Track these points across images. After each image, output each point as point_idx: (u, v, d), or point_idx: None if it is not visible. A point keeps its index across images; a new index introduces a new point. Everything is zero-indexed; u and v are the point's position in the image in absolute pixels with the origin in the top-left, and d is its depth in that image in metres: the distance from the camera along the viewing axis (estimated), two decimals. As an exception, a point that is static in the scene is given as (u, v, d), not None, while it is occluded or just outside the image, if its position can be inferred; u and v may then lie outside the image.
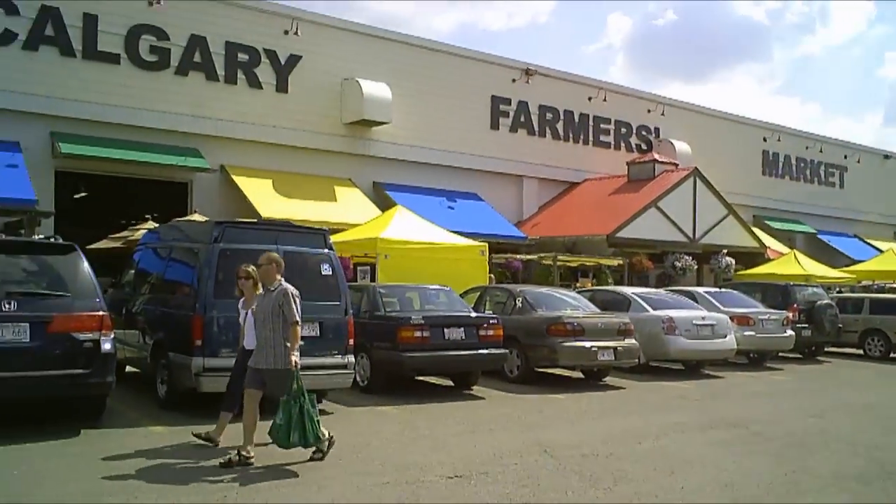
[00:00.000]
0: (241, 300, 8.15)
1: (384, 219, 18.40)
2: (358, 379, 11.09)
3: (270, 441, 7.45)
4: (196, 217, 17.46)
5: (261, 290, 7.80)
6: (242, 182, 21.00)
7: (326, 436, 7.51)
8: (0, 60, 18.37)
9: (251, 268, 8.02)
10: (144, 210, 22.32)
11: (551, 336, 12.79)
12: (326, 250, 10.29)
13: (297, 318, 7.42)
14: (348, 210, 21.71)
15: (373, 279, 15.80)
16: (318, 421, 7.33)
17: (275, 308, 7.43)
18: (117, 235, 18.55)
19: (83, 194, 23.15)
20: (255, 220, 14.23)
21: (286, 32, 22.38)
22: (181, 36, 20.72)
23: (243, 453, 7.29)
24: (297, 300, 7.52)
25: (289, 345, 7.34)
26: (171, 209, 20.04)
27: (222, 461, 7.23)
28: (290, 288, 7.57)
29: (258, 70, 21.99)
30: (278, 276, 7.63)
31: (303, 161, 22.70)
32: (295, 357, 7.26)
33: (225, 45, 21.38)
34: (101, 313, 8.49)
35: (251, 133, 21.87)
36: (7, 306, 8.03)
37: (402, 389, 11.82)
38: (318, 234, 10.56)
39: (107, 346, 8.49)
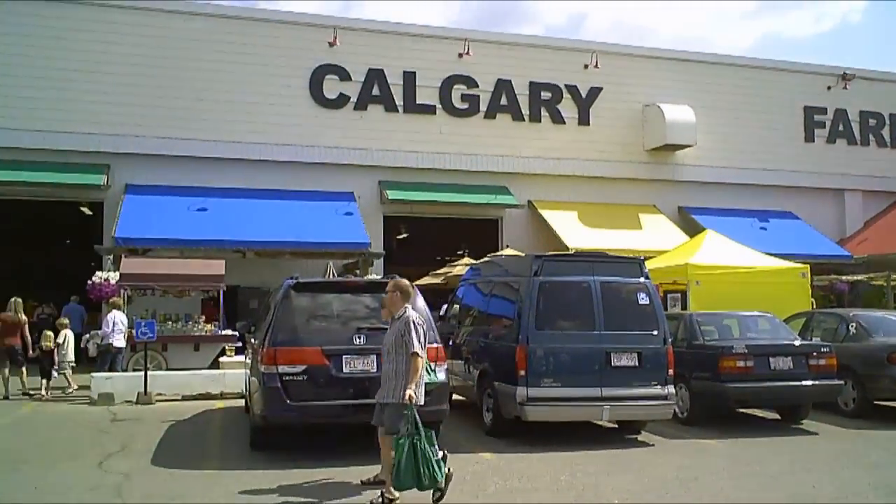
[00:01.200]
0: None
1: (693, 244, 17.90)
2: (677, 410, 10.86)
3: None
4: (508, 251, 18.32)
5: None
6: (549, 215, 21.68)
7: (443, 478, 6.75)
8: (337, 121, 20.90)
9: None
10: (458, 247, 23.83)
11: (894, 365, 11.58)
12: (642, 279, 10.28)
13: (418, 349, 6.84)
14: (654, 237, 21.47)
15: (684, 307, 15.42)
16: (436, 461, 6.62)
17: (397, 338, 6.96)
18: (439, 272, 20.02)
19: (405, 235, 25.30)
20: (572, 253, 14.59)
21: (586, 66, 22.87)
22: (488, 81, 22.09)
23: (387, 495, 6.85)
24: (422, 329, 7.00)
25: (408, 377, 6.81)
26: (483, 245, 21.23)
27: (372, 501, 6.89)
28: (414, 316, 7.05)
29: (560, 106, 22.71)
30: (405, 304, 7.16)
31: (606, 190, 22.92)
32: (411, 391, 6.69)
33: (529, 86, 22.41)
34: (436, 345, 9.13)
35: (555, 167, 22.57)
36: (358, 340, 8.96)
37: (724, 422, 11.35)
38: (633, 263, 10.59)
39: (441, 376, 9.08)
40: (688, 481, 7.94)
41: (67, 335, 14.63)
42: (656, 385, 9.91)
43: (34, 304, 20.93)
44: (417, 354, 6.80)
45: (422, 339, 6.92)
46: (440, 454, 6.75)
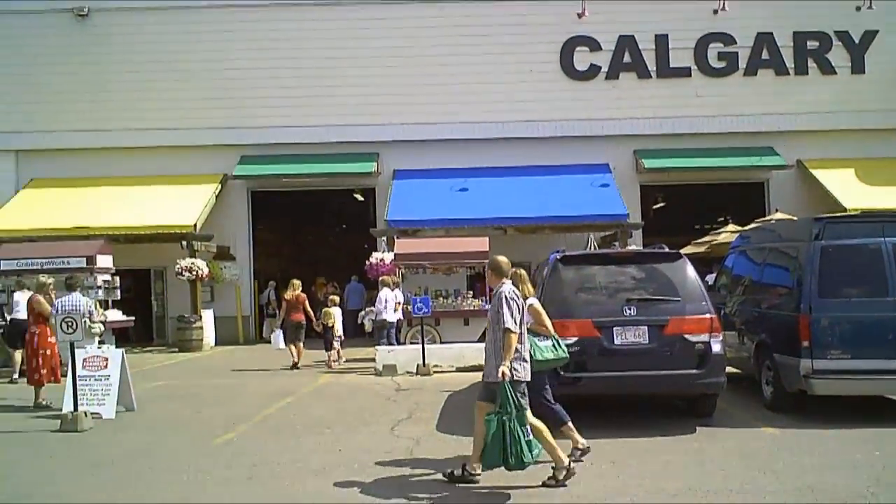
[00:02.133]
0: None
1: None
2: None
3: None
4: (778, 216, 17.29)
5: None
6: (822, 175, 20.20)
7: (532, 459, 6.48)
8: (589, 93, 20.88)
9: None
10: (718, 213, 22.81)
11: None
12: (945, 240, 9.28)
13: (510, 325, 6.58)
14: (950, 192, 19.22)
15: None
16: (526, 441, 6.43)
17: (494, 315, 6.78)
18: (702, 240, 19.35)
19: (661, 204, 24.69)
20: (857, 213, 13.46)
21: (858, 9, 20.86)
22: (747, 37, 20.93)
23: (468, 469, 6.85)
24: (514, 303, 6.70)
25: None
26: (747, 210, 20.21)
27: (444, 473, 6.94)
28: (507, 290, 6.79)
29: (830, 55, 21.04)
30: (500, 280, 6.93)
31: (888, 144, 20.91)
32: (504, 367, 6.49)
33: (793, 37, 20.95)
34: (709, 316, 8.89)
35: (826, 122, 20.95)
36: (628, 311, 8.91)
37: None
38: (934, 222, 9.58)
39: (717, 348, 8.85)
40: None
41: (336, 312, 15.97)
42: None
43: (323, 283, 23.01)
44: (509, 330, 6.60)
45: (514, 315, 6.67)
46: (531, 435, 6.60)
